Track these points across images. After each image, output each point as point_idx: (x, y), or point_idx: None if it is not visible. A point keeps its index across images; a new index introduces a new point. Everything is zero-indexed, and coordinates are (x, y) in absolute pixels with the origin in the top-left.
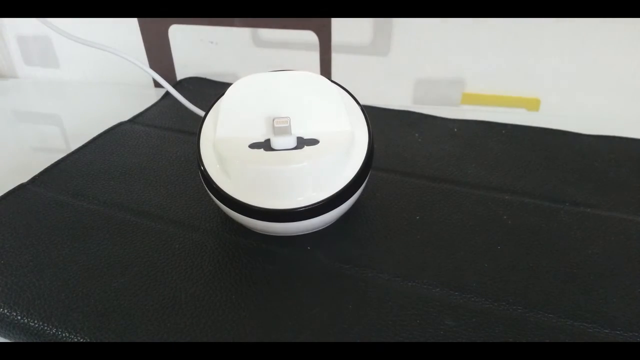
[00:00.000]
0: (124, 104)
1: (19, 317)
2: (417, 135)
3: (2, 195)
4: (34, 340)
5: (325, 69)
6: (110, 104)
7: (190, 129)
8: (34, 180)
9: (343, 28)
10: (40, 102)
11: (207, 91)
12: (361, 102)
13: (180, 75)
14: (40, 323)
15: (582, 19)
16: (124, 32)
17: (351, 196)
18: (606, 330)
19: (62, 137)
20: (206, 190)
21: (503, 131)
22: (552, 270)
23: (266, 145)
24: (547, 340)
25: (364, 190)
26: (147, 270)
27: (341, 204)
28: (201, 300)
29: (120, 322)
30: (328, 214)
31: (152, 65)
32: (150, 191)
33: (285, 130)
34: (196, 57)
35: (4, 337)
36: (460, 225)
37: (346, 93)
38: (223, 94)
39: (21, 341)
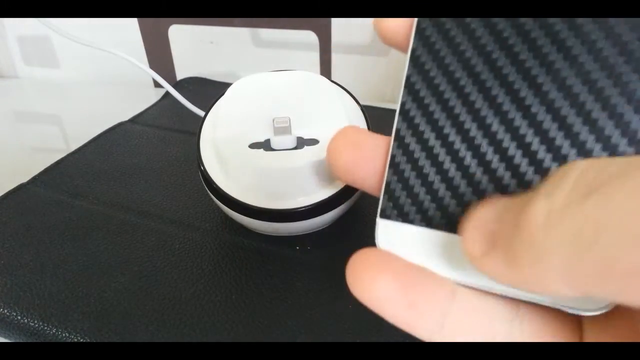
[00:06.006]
0: (124, 104)
1: (19, 317)
2: None
3: (2, 195)
4: (34, 340)
5: (325, 69)
6: (110, 104)
7: (190, 129)
8: (34, 180)
9: (343, 28)
10: (40, 102)
11: (207, 91)
12: (361, 102)
13: (180, 75)
14: (40, 323)
15: None
16: (124, 32)
17: (351, 196)
18: None
19: (62, 137)
20: (206, 190)
21: None
22: None
23: (266, 145)
24: None
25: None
26: (147, 270)
27: (341, 204)
28: (201, 300)
29: (120, 322)
30: (328, 214)
31: (152, 65)
32: (150, 191)
33: (285, 130)
34: (196, 57)
35: (4, 337)
36: None
37: (346, 93)
38: (223, 94)
39: (21, 341)
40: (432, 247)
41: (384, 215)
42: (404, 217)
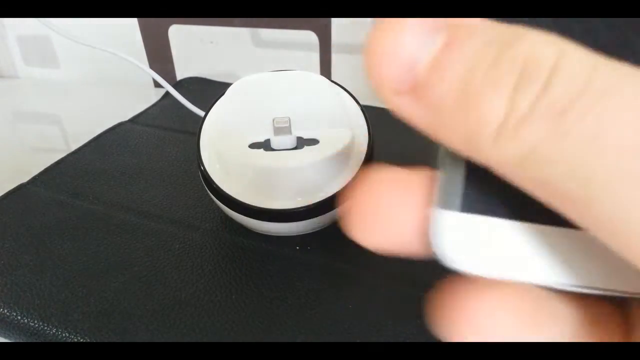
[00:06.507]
0: (124, 104)
1: (19, 317)
2: (417, 135)
3: (2, 195)
4: (34, 340)
5: (325, 69)
6: (110, 104)
7: (190, 129)
8: (34, 180)
9: (343, 28)
10: (40, 102)
11: (207, 91)
12: (361, 102)
13: (180, 75)
14: (40, 323)
15: None
16: (124, 32)
17: None
18: None
19: (62, 137)
20: (206, 190)
21: None
22: None
23: (266, 145)
24: None
25: None
26: (147, 270)
27: (341, 204)
28: (201, 300)
29: (120, 322)
30: (328, 214)
31: (152, 65)
32: (150, 191)
33: (285, 130)
34: (196, 57)
35: (4, 337)
36: None
37: (346, 93)
38: (223, 94)
39: (21, 341)
40: (527, 247)
41: (466, 208)
42: (492, 209)
